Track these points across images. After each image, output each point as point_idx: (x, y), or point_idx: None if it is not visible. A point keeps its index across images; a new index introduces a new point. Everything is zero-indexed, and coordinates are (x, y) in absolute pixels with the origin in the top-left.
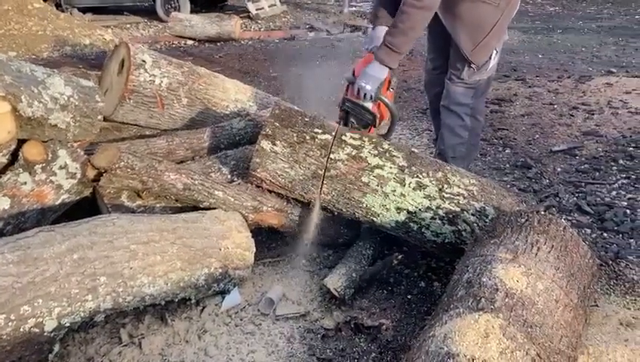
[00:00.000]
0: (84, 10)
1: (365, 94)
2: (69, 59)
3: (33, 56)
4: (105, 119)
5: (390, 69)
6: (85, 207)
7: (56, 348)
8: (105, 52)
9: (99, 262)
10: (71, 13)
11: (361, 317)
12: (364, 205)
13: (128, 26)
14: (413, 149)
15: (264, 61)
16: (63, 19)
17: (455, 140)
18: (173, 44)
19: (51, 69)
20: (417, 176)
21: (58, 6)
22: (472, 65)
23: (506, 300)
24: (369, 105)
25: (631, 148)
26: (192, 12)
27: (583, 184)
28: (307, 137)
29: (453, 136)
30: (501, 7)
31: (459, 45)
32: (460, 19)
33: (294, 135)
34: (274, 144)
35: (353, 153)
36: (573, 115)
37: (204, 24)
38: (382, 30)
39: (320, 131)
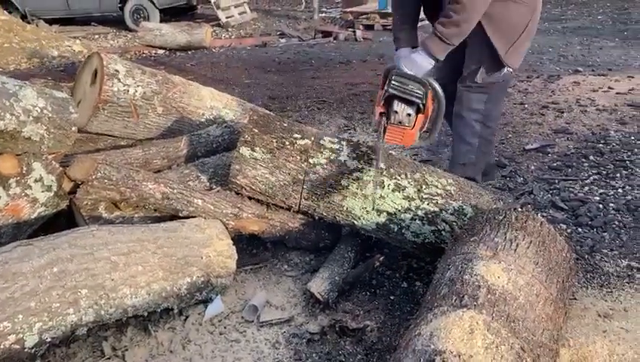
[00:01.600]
0: (50, 22)
1: None
2: (37, 71)
3: (0, 69)
4: (79, 130)
5: (436, 61)
6: (62, 221)
7: None
8: (74, 63)
9: (79, 275)
10: (37, 25)
11: (346, 320)
12: (345, 208)
13: (97, 36)
14: (390, 151)
15: (236, 68)
16: (29, 31)
17: (465, 147)
18: (143, 53)
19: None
20: (396, 178)
21: (23, 18)
22: (507, 69)
23: (489, 296)
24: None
25: (600, 145)
26: (161, 21)
27: (557, 181)
28: (286, 143)
29: (463, 144)
30: (531, 6)
31: (495, 47)
32: (493, 20)
33: (274, 141)
34: (253, 150)
35: (332, 157)
36: (543, 114)
37: (175, 33)
38: (405, 51)
39: (299, 136)
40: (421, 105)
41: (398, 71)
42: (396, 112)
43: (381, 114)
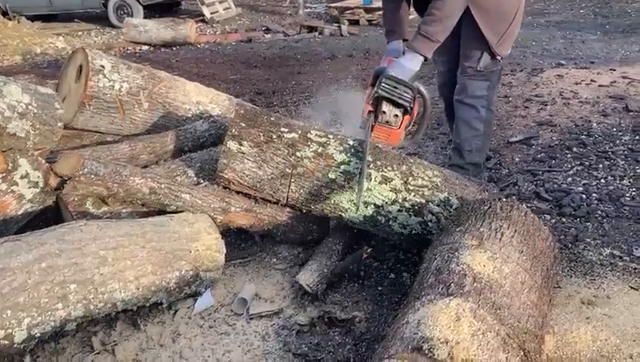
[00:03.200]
0: (32, 19)
1: None
2: (19, 68)
3: None
4: (65, 127)
5: (425, 59)
6: (49, 217)
7: (27, 359)
8: (57, 60)
9: (68, 270)
10: (19, 22)
11: (335, 311)
12: (332, 201)
13: (80, 33)
14: (377, 144)
15: (222, 64)
16: (11, 28)
17: (471, 133)
18: (127, 49)
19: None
20: (383, 170)
21: (5, 14)
22: (498, 57)
23: (475, 284)
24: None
25: (583, 136)
26: (145, 17)
27: (541, 172)
28: (274, 136)
29: (470, 130)
30: None
31: (486, 38)
32: (484, 13)
33: (261, 134)
34: (241, 144)
35: (319, 150)
36: (527, 107)
37: (159, 29)
38: (397, 44)
39: (286, 130)
40: (409, 108)
41: (388, 74)
42: (384, 112)
43: (369, 112)
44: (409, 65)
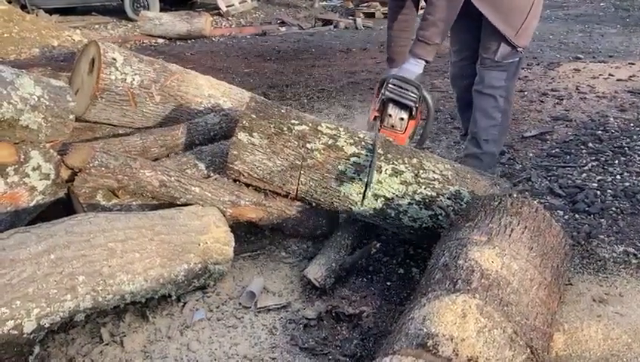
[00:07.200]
0: (50, 12)
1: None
2: (36, 61)
3: (0, 59)
4: (77, 119)
5: (427, 62)
6: (60, 209)
7: (37, 349)
8: (74, 53)
9: (77, 261)
10: (37, 15)
11: (342, 306)
12: (342, 193)
13: (97, 26)
14: (387, 138)
15: (236, 57)
16: (29, 21)
17: (488, 123)
18: (143, 42)
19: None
20: (393, 163)
21: (23, 7)
22: (518, 48)
23: (482, 281)
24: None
25: (599, 132)
26: (161, 10)
27: (555, 168)
28: (284, 128)
29: (487, 119)
30: None
31: (502, 33)
32: (497, 8)
33: (271, 126)
34: (251, 136)
35: (329, 142)
36: (543, 101)
37: (174, 22)
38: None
39: (297, 122)
40: (414, 110)
41: (395, 75)
42: (390, 116)
43: (375, 117)
44: (412, 68)
